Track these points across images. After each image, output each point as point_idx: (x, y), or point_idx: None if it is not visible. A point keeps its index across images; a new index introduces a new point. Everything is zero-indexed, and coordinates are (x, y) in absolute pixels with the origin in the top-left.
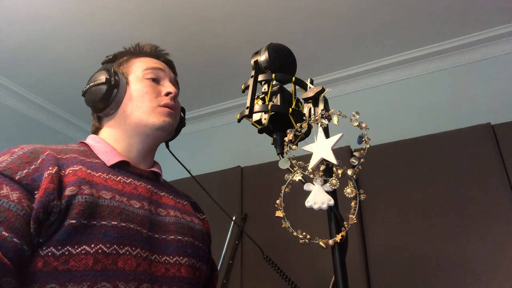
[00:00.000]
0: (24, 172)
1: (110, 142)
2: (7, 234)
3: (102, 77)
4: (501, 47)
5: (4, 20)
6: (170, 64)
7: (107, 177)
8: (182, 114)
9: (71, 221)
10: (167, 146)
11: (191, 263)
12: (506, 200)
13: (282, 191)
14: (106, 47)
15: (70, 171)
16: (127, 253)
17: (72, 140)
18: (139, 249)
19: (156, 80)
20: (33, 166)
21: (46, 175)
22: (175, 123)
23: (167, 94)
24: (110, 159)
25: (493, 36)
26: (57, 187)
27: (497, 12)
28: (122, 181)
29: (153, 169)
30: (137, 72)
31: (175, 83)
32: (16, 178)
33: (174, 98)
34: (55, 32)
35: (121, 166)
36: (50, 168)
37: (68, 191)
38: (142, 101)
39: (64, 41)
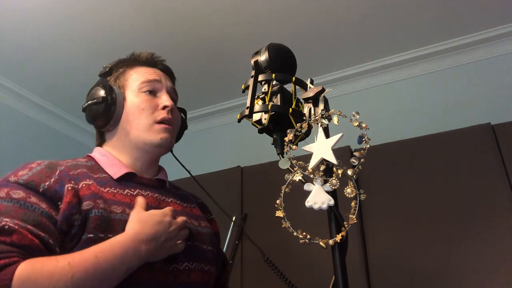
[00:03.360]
0: (46, 184)
1: (114, 154)
2: (43, 235)
3: (100, 95)
4: (501, 47)
5: (4, 20)
6: (167, 71)
7: (115, 191)
8: (183, 116)
9: (89, 235)
10: (171, 151)
11: (200, 267)
12: (506, 200)
13: (282, 191)
14: (106, 47)
15: (84, 185)
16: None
17: (72, 140)
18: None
19: (152, 92)
20: (53, 179)
21: (69, 188)
22: (174, 136)
23: (164, 107)
24: (116, 172)
25: (493, 36)
26: (78, 201)
27: (497, 12)
28: (129, 194)
29: (158, 176)
30: (133, 86)
31: (172, 92)
32: (40, 190)
33: (171, 110)
34: (55, 32)
35: (127, 178)
36: (70, 182)
37: (84, 206)
38: (139, 118)
39: (64, 41)
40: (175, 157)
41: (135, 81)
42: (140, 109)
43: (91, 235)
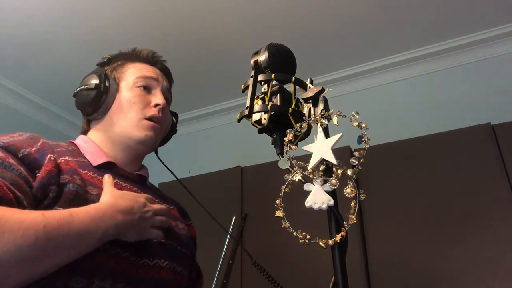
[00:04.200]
0: (26, 150)
1: (98, 143)
2: (19, 194)
3: (93, 82)
4: (501, 47)
5: (4, 20)
6: (166, 72)
7: (93, 175)
8: (174, 120)
9: (58, 208)
10: (156, 152)
11: (172, 267)
12: (506, 200)
13: (282, 191)
14: (105, 47)
15: (63, 160)
16: (107, 251)
17: None
18: (118, 249)
19: (147, 89)
20: (34, 148)
21: (51, 158)
22: (159, 137)
23: (156, 105)
24: (96, 159)
25: (493, 36)
26: (57, 172)
27: (497, 12)
28: None
29: (139, 172)
30: (129, 79)
31: (167, 92)
32: (19, 155)
33: (163, 110)
34: (55, 32)
35: (107, 167)
36: (52, 153)
37: (61, 179)
38: (129, 111)
39: (64, 41)
40: (161, 161)
41: (131, 75)
42: (132, 102)
43: (60, 209)
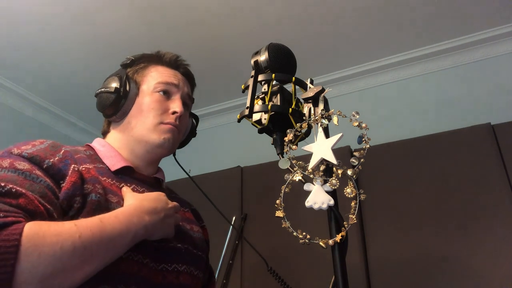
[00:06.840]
0: (51, 161)
1: (115, 147)
2: (49, 207)
3: (113, 85)
4: (501, 47)
5: (4, 20)
6: (188, 76)
7: (112, 182)
8: (194, 122)
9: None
10: (174, 155)
11: (189, 270)
12: (506, 200)
13: (282, 191)
14: (106, 47)
15: (83, 169)
16: (130, 258)
17: (72, 141)
18: (140, 255)
19: (167, 94)
20: (57, 157)
21: (75, 169)
22: (177, 140)
23: (173, 113)
24: (114, 164)
25: (493, 36)
26: (81, 183)
27: (497, 12)
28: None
29: (156, 175)
30: (150, 83)
31: (187, 98)
32: (44, 166)
33: (180, 117)
34: (55, 32)
35: (125, 172)
36: (75, 163)
37: (84, 189)
38: (147, 116)
39: (64, 41)
40: (177, 161)
41: (153, 79)
42: (150, 108)
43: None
